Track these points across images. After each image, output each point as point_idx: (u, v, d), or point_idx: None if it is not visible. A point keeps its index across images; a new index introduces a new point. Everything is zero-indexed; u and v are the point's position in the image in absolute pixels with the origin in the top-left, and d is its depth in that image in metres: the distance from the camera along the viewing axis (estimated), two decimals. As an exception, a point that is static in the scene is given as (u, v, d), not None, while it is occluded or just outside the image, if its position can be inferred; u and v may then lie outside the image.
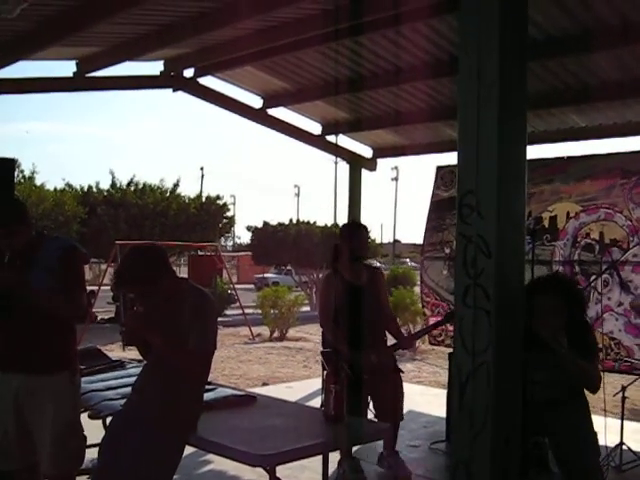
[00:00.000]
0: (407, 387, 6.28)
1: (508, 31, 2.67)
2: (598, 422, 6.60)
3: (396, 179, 67.39)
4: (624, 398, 6.36)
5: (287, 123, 9.06)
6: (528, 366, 3.97)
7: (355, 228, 5.97)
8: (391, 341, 6.09)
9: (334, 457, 5.44)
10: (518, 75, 2.76)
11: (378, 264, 39.15)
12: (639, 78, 6.88)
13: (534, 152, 9.51)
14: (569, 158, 7.98)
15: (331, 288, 5.76)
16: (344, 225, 6.23)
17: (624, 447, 6.27)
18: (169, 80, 7.85)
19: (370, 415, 5.78)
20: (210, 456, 5.71)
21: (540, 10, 6.02)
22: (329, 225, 26.18)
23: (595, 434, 4.59)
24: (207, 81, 8.26)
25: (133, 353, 4.43)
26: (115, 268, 9.39)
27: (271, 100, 8.57)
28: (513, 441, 2.70)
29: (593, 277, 7.27)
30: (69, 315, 4.05)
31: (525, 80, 2.78)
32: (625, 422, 6.45)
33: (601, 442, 6.25)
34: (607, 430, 6.42)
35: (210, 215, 23.08)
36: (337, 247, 5.91)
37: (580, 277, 7.34)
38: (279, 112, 8.95)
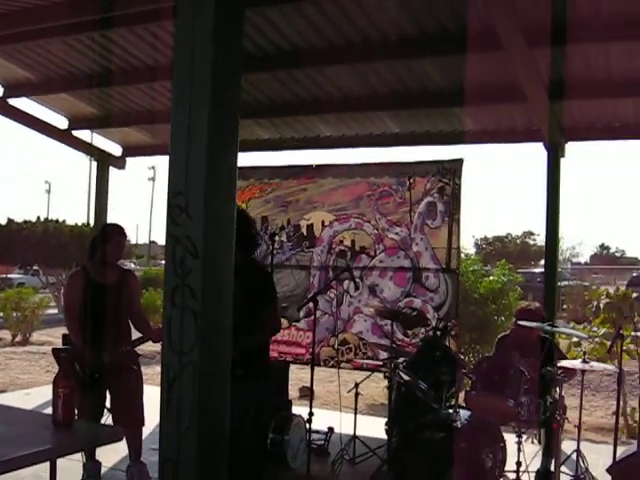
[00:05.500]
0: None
1: (221, 40, 2.73)
2: (334, 417, 7.00)
3: (153, 179, 65.77)
4: (357, 394, 6.75)
5: (30, 115, 8.62)
6: None
7: (113, 232, 5.73)
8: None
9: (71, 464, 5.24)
10: (231, 82, 2.83)
11: (132, 265, 38.44)
12: (379, 93, 7.33)
13: (283, 158, 9.89)
14: (318, 166, 8.33)
15: (75, 287, 5.62)
16: (105, 225, 6.05)
17: (357, 440, 6.64)
18: None
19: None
20: None
21: (288, 22, 6.24)
22: (79, 224, 25.28)
23: None
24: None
25: None
26: None
27: (12, 89, 8.12)
28: (221, 440, 2.76)
29: (346, 282, 7.74)
30: None
31: (238, 87, 2.86)
32: (363, 416, 6.84)
33: (336, 437, 6.66)
34: (343, 424, 6.82)
35: (-56, 212, 21.31)
36: (94, 244, 5.74)
37: (335, 282, 7.70)
38: (22, 103, 8.52)
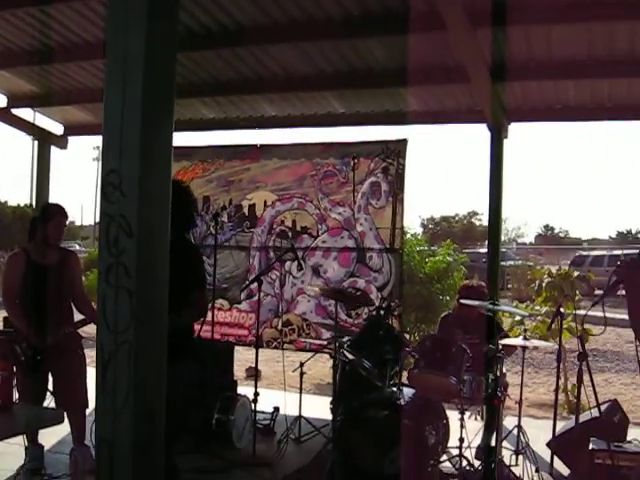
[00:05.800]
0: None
1: (156, 17, 2.69)
2: (280, 397, 7.00)
3: (98, 159, 64.54)
4: (302, 374, 6.78)
5: (-34, 92, 8.39)
6: None
7: (54, 212, 5.62)
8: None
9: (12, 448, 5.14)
10: (165, 61, 2.77)
11: (77, 247, 37.76)
12: (323, 73, 7.31)
13: (227, 137, 9.83)
14: (262, 146, 8.29)
15: (15, 268, 5.50)
16: (45, 205, 5.97)
17: (303, 420, 6.67)
18: None
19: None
20: None
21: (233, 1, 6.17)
22: (22, 205, 24.79)
23: None
24: None
25: None
26: None
27: (-53, 66, 7.87)
28: (157, 419, 2.73)
29: (288, 263, 7.75)
30: None
31: (173, 66, 2.81)
32: (308, 396, 6.85)
33: (282, 417, 6.68)
34: (288, 404, 6.84)
35: None
36: (33, 225, 5.62)
37: (277, 263, 7.68)
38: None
